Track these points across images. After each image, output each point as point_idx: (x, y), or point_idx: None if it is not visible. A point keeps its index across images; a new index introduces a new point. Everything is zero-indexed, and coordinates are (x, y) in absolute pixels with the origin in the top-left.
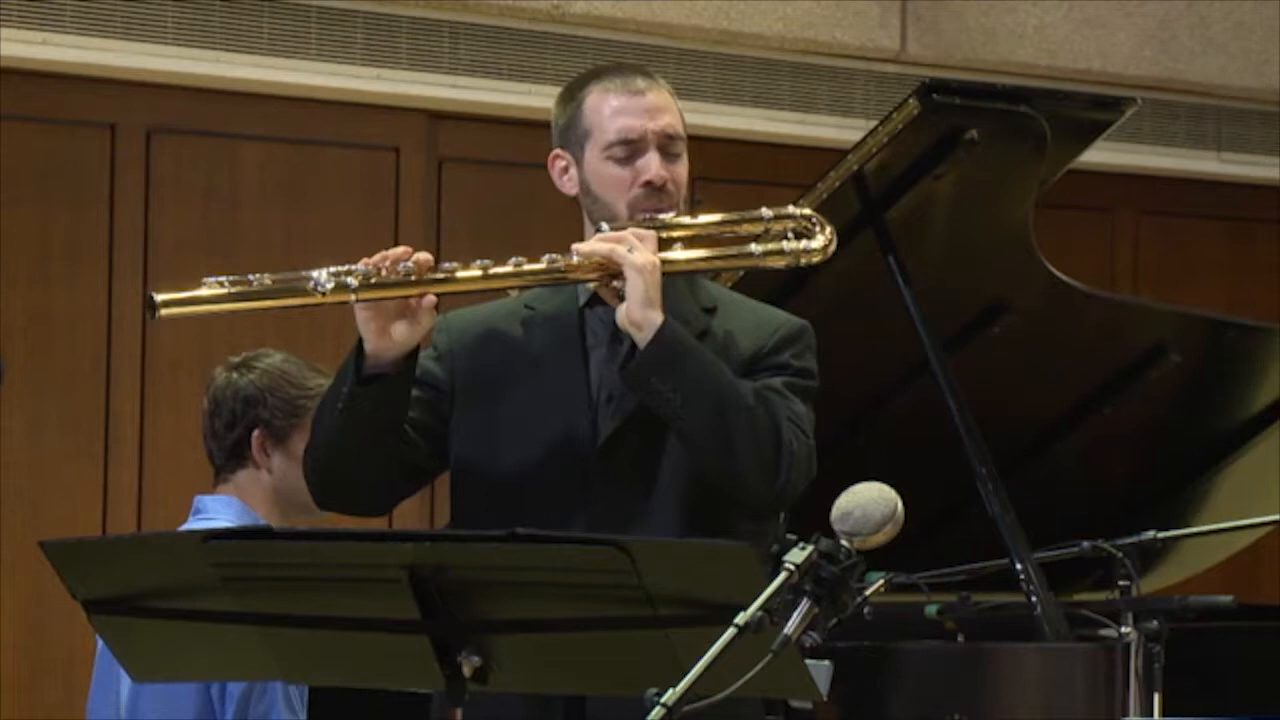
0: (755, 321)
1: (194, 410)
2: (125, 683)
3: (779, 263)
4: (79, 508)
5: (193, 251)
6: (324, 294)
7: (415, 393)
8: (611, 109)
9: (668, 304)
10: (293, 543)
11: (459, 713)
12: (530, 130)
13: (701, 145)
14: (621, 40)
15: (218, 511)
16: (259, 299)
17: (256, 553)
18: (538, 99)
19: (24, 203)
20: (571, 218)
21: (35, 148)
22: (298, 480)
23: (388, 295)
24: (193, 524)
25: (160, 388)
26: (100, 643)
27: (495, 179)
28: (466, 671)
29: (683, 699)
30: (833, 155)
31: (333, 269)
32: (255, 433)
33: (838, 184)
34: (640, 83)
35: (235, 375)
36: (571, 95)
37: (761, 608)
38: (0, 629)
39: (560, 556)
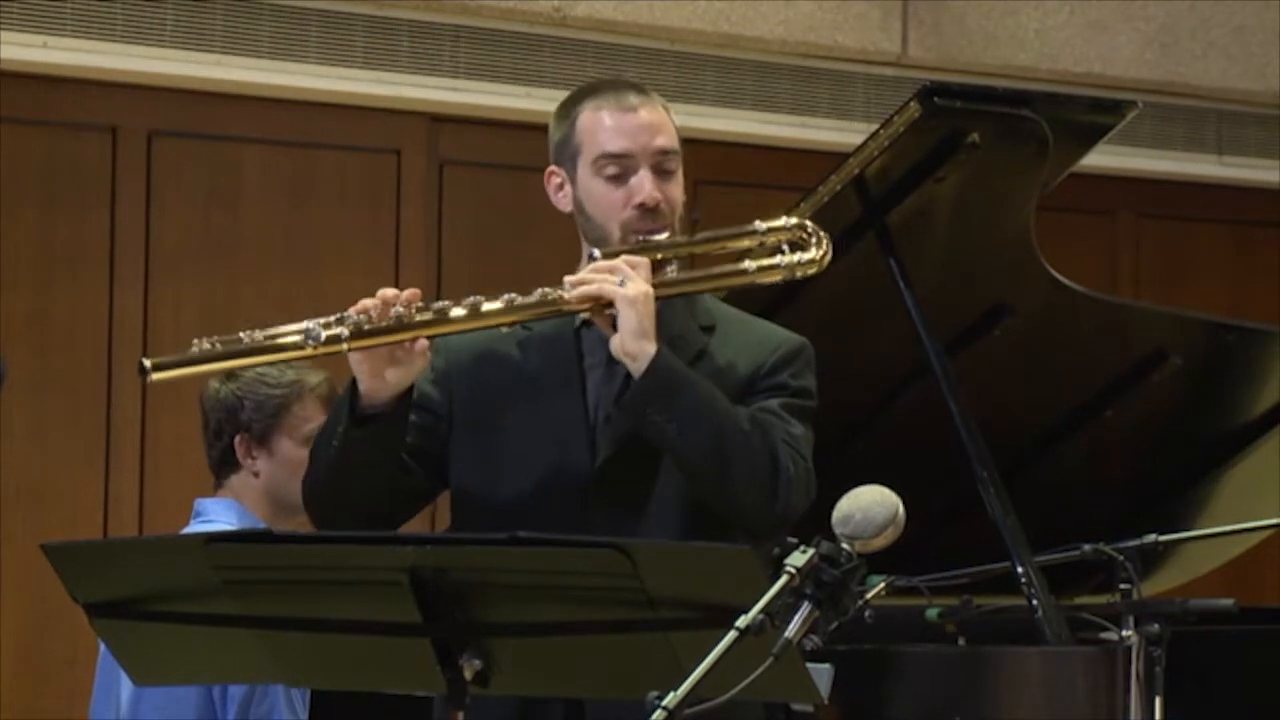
0: (754, 340)
1: (195, 413)
2: (126, 685)
3: (774, 277)
4: (80, 510)
5: (194, 254)
6: (315, 346)
7: (412, 418)
8: (604, 127)
9: (665, 322)
10: (294, 546)
11: (460, 715)
12: (531, 133)
13: (701, 148)
14: (622, 43)
15: (218, 514)
16: (250, 355)
17: (258, 556)
18: (538, 102)
19: (25, 206)
20: (571, 223)
21: (36, 151)
22: (286, 480)
23: (379, 342)
24: (194, 527)
25: (162, 390)
26: (102, 645)
27: (496, 182)
28: (468, 675)
29: (684, 702)
30: (833, 159)
31: (323, 319)
32: (237, 439)
33: (839, 187)
34: (633, 99)
35: (220, 385)
36: (566, 112)
37: (762, 611)
38: (1, 631)
39: (561, 559)
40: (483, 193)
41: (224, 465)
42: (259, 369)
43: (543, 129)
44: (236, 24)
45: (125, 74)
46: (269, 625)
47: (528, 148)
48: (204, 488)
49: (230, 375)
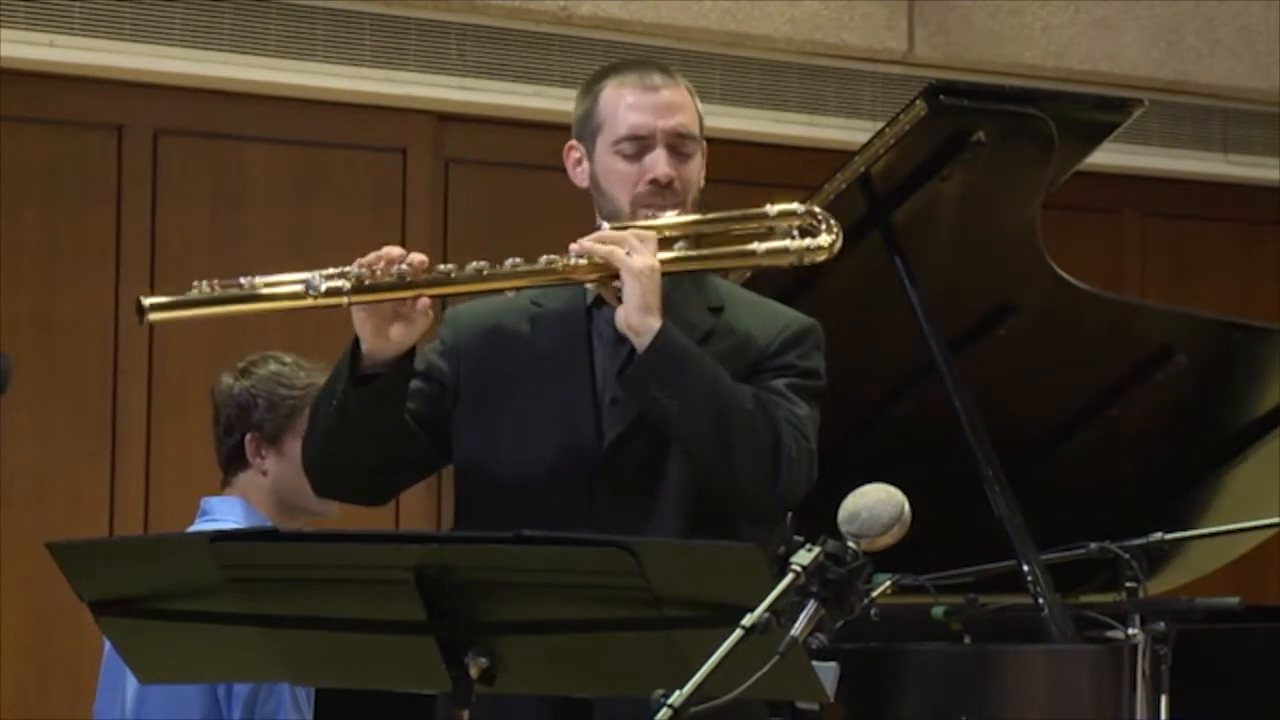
0: (762, 320)
1: (201, 411)
2: (131, 684)
3: (783, 261)
4: (85, 509)
5: (199, 253)
6: (316, 297)
7: (419, 385)
8: (625, 104)
9: (673, 303)
10: (299, 544)
11: (465, 714)
12: (538, 131)
13: (708, 147)
14: (629, 42)
15: (224, 513)
16: (249, 302)
17: (263, 554)
18: (545, 100)
19: (31, 204)
20: (579, 219)
21: (42, 149)
22: (294, 480)
23: (380, 298)
24: (199, 525)
25: (167, 389)
26: (107, 644)
27: (502, 180)
28: (473, 673)
29: (690, 700)
30: (840, 157)
31: (326, 271)
32: (248, 437)
33: (844, 185)
34: (656, 79)
35: (233, 381)
36: (590, 87)
37: (768, 609)
38: (6, 630)
39: (567, 558)
40: (489, 191)
41: (233, 462)
42: (276, 370)
43: (549, 128)
44: (243, 22)
45: (131, 72)
46: (274, 623)
47: (534, 146)
48: (209, 485)
49: (244, 372)
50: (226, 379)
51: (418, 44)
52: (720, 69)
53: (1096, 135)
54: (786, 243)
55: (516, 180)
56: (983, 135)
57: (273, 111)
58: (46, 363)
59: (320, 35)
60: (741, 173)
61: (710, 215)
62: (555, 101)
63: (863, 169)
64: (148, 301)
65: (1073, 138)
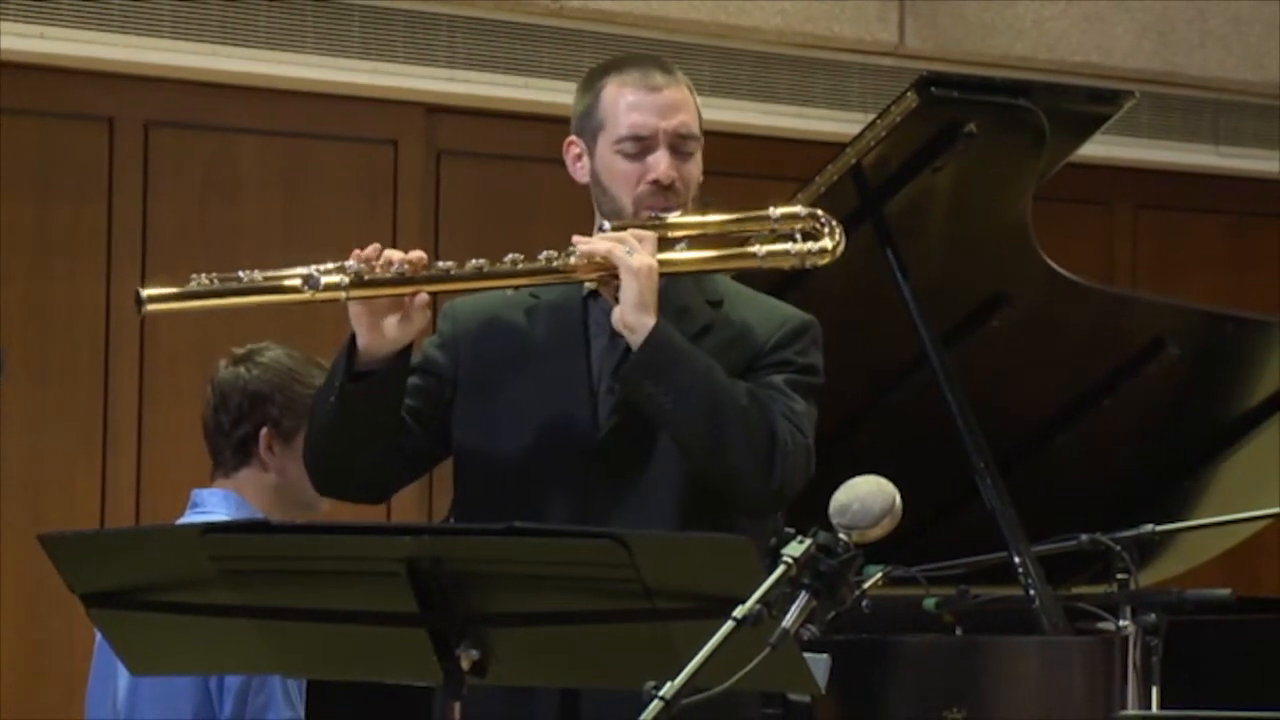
0: (761, 315)
1: (193, 403)
2: (123, 677)
3: (784, 264)
4: (77, 501)
5: (190, 245)
6: (314, 291)
7: (417, 380)
8: (626, 103)
9: (672, 297)
10: (291, 536)
11: (457, 707)
12: (528, 123)
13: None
14: (619, 34)
15: (215, 505)
16: (247, 295)
17: (255, 546)
18: (535, 92)
19: (23, 196)
20: (570, 212)
21: (33, 142)
22: (300, 477)
23: (379, 294)
24: (190, 517)
25: (159, 380)
26: (98, 636)
27: (493, 172)
28: (465, 664)
29: (681, 692)
30: (831, 149)
31: (324, 266)
32: (264, 431)
33: (836, 177)
34: (659, 78)
35: (241, 370)
36: (591, 84)
37: (760, 601)
38: (1, 623)
39: (559, 550)
40: (480, 183)
41: (236, 455)
42: (288, 364)
43: (540, 119)
44: (234, 14)
45: (122, 64)
46: (266, 615)
47: (525, 138)
48: (201, 477)
49: (250, 361)
50: (231, 368)
51: (407, 36)
52: (710, 61)
53: (1088, 127)
54: (788, 246)
55: (507, 172)
56: (974, 127)
57: (263, 103)
58: (39, 354)
59: (310, 27)
60: (732, 165)
61: (712, 217)
62: (545, 93)
63: (854, 161)
64: (146, 293)
65: (1064, 129)
